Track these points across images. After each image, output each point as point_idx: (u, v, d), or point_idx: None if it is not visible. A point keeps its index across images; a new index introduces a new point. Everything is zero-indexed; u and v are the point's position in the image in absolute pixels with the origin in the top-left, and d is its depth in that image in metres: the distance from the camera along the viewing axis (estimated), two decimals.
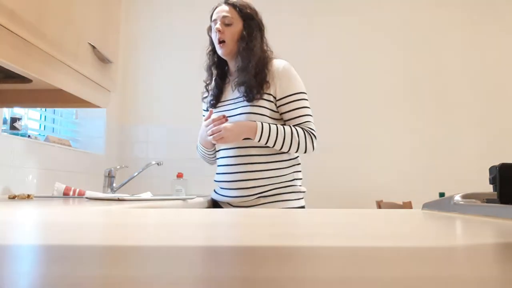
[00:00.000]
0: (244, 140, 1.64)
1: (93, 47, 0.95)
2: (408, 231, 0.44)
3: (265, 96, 1.65)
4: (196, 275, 0.21)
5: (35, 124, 2.41)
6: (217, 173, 1.76)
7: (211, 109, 1.69)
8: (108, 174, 2.35)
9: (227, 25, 1.68)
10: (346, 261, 0.25)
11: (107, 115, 2.84)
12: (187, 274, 0.21)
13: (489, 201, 0.65)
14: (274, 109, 1.68)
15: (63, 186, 1.66)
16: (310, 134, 1.66)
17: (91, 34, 0.95)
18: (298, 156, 1.74)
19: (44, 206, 1.01)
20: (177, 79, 3.10)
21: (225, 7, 1.71)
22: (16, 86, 0.98)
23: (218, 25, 1.68)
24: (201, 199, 1.69)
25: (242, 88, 1.66)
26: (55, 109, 2.58)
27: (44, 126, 2.53)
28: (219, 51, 1.70)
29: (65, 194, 1.64)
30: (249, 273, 0.21)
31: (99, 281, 0.20)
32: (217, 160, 1.78)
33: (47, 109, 2.47)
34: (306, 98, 1.69)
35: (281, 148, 1.63)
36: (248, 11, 1.72)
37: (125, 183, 2.47)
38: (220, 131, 1.60)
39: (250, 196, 1.65)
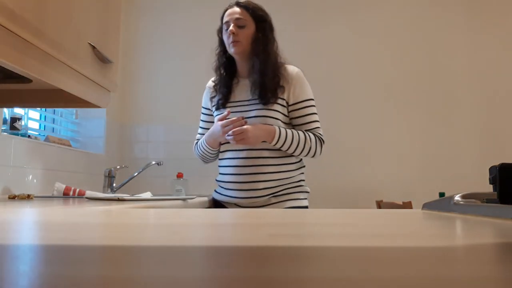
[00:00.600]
0: None
1: (93, 47, 0.95)
2: (408, 231, 0.44)
3: (279, 101, 1.69)
4: (196, 275, 0.21)
5: (35, 124, 2.41)
6: (221, 174, 1.75)
7: (228, 110, 1.68)
8: (108, 174, 2.35)
9: (240, 27, 1.69)
10: (346, 261, 0.25)
11: (107, 115, 2.84)
12: (187, 274, 0.21)
13: (489, 201, 0.65)
14: (286, 113, 1.72)
15: (63, 186, 1.66)
16: (320, 139, 1.71)
17: (91, 34, 0.95)
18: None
19: (44, 206, 1.01)
20: (177, 79, 3.10)
21: (237, 9, 1.70)
22: (16, 86, 0.98)
23: (232, 27, 1.67)
24: (201, 199, 1.69)
25: (257, 91, 1.66)
26: (55, 109, 2.58)
27: (44, 126, 2.53)
28: (231, 49, 1.69)
29: (65, 194, 1.64)
30: (249, 273, 0.22)
31: (99, 281, 0.20)
32: (220, 161, 1.78)
33: (47, 109, 2.46)
34: (315, 104, 1.75)
35: (293, 152, 1.68)
36: (260, 13, 1.72)
37: (125, 183, 2.47)
38: (242, 132, 1.61)
39: (262, 197, 1.67)
